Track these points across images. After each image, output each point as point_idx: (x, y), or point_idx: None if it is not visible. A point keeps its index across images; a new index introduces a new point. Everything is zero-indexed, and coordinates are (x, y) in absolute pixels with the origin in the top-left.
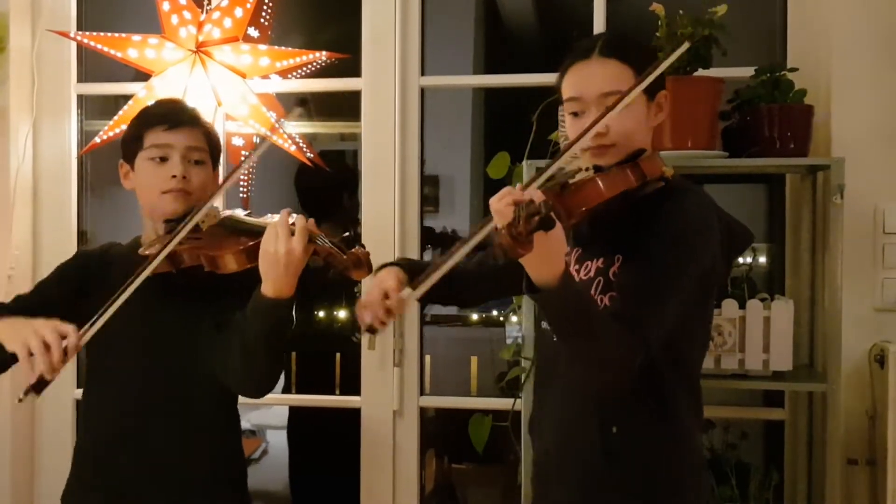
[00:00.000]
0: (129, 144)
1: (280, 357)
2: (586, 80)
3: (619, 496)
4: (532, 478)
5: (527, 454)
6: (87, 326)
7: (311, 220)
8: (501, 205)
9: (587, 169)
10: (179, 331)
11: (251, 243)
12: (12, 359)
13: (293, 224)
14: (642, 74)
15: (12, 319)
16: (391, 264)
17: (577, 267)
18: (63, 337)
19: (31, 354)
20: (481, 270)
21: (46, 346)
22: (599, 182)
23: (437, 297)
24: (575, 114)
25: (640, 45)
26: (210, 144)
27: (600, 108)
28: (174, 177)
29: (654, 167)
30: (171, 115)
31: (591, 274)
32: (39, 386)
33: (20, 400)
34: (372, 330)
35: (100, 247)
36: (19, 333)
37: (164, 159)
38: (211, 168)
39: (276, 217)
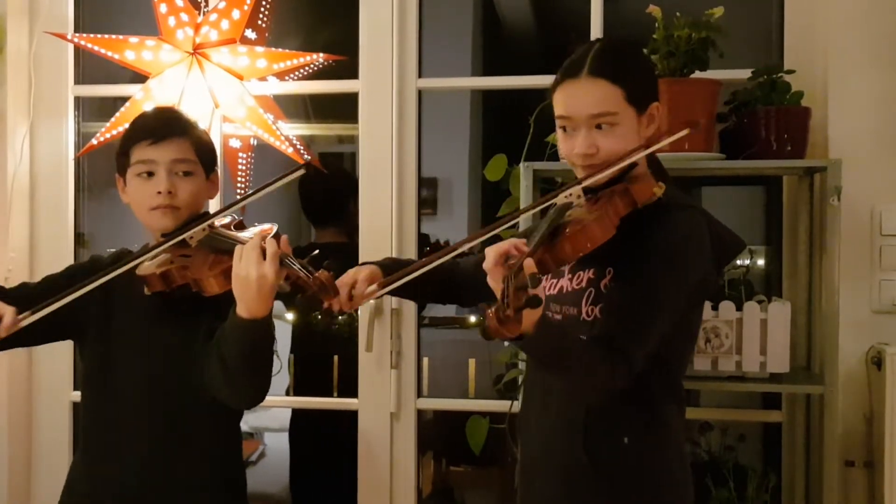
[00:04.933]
0: (119, 160)
1: (264, 371)
2: (576, 100)
3: (602, 495)
4: (518, 475)
5: None
6: (27, 313)
7: (285, 239)
8: (491, 262)
9: (578, 196)
10: (177, 343)
11: (229, 266)
12: None
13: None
14: (646, 147)
15: None
16: (375, 262)
17: (569, 276)
18: None
19: None
20: (477, 273)
21: None
22: (591, 229)
23: (437, 297)
24: (564, 128)
25: (631, 59)
26: (200, 153)
27: (590, 128)
28: (160, 193)
29: (644, 191)
30: (155, 128)
31: (583, 284)
32: None
33: None
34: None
35: (110, 255)
36: None
37: (150, 174)
38: (204, 176)
39: (263, 228)
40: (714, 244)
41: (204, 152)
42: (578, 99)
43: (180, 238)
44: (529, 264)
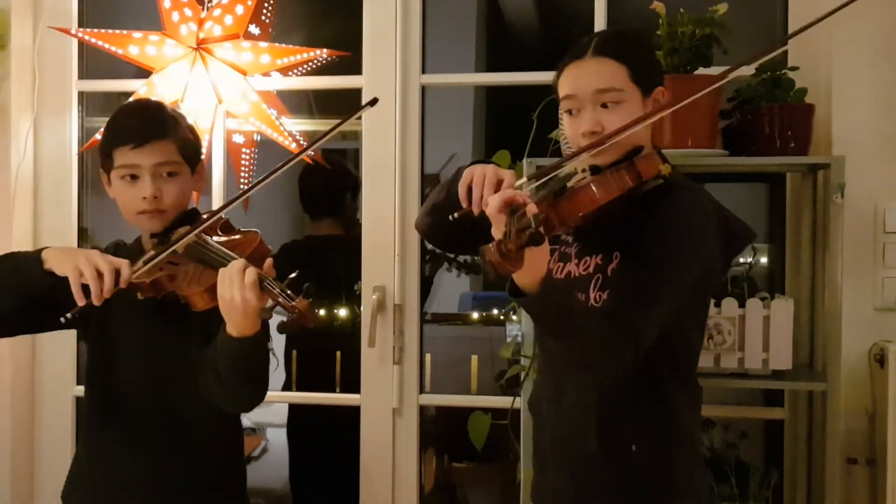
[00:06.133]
0: (102, 159)
1: (259, 381)
2: (581, 78)
3: (612, 488)
4: (533, 456)
5: (526, 452)
6: (139, 263)
7: (269, 263)
8: (494, 208)
9: (584, 170)
10: (174, 344)
11: (214, 283)
12: (49, 289)
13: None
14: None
15: (62, 248)
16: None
17: (576, 262)
18: (117, 269)
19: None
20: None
21: (98, 274)
22: (594, 188)
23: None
24: (570, 111)
25: (635, 42)
26: (184, 152)
27: (595, 106)
28: (145, 198)
29: (650, 167)
30: (137, 131)
31: (591, 270)
32: (84, 312)
33: (66, 320)
34: (471, 215)
35: (105, 247)
36: (73, 259)
37: (134, 177)
38: (189, 173)
39: (243, 236)
40: (722, 230)
41: (188, 149)
42: (584, 77)
43: (171, 250)
44: (532, 208)
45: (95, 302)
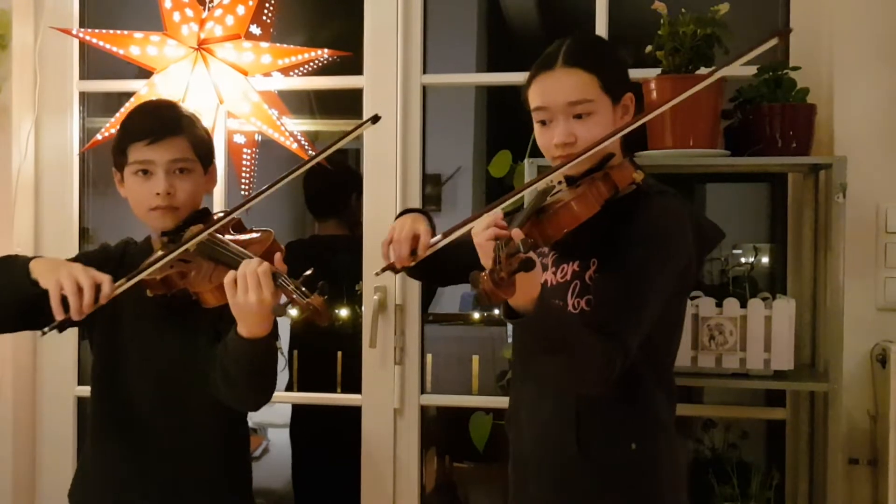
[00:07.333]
0: (116, 156)
1: (267, 381)
2: (552, 89)
3: (594, 495)
4: (510, 471)
5: None
6: (122, 281)
7: (278, 257)
8: (482, 238)
9: (560, 182)
10: (183, 343)
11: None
12: (40, 296)
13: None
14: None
15: (50, 258)
16: (413, 211)
17: (553, 269)
18: (97, 285)
19: (62, 293)
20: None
21: (79, 289)
22: (574, 205)
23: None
24: (543, 122)
25: (604, 51)
26: (197, 150)
27: (567, 118)
28: (158, 194)
29: (624, 176)
30: (152, 128)
31: (568, 277)
32: (63, 325)
33: (42, 333)
34: (393, 269)
35: (116, 245)
36: (55, 273)
37: (147, 172)
38: (202, 172)
39: (257, 236)
40: (694, 231)
41: (201, 148)
42: (555, 88)
43: (183, 249)
44: (518, 233)
45: (75, 317)
